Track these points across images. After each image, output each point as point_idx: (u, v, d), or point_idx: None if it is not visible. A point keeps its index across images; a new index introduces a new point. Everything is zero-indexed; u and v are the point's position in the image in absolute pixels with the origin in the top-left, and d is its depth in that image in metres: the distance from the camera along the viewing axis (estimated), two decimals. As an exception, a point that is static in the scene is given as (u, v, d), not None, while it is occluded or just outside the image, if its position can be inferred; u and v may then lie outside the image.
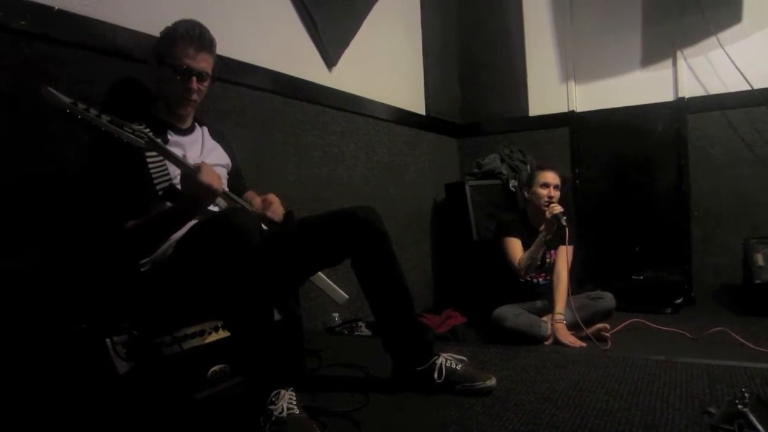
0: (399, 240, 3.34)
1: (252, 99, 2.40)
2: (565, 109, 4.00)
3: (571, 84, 3.99)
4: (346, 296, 2.05)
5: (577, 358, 2.00)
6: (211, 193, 1.46)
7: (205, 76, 1.67)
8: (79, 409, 1.41)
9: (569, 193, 3.78)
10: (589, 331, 2.64)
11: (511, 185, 3.67)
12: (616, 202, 3.87)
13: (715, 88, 3.52)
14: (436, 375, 1.65)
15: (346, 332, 2.62)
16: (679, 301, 3.38)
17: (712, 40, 3.47)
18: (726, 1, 3.47)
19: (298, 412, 1.34)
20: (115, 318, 1.47)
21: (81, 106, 1.30)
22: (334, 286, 2.05)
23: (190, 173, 1.45)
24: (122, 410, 1.40)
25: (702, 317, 3.10)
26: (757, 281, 3.07)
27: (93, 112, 1.32)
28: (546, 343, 2.68)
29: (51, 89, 1.27)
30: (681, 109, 3.61)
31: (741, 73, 3.37)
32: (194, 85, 1.64)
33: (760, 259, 3.12)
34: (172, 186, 1.55)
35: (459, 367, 1.68)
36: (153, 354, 1.46)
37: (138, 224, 1.52)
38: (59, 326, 1.52)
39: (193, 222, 1.59)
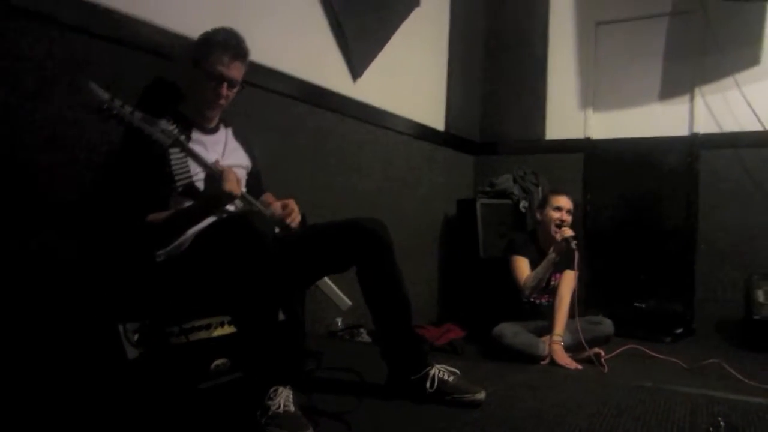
0: (408, 252, 3.39)
1: (277, 104, 2.48)
2: (581, 136, 4.05)
3: (589, 111, 4.05)
4: (350, 303, 2.11)
5: (568, 379, 2.06)
6: (230, 197, 1.56)
7: (235, 83, 1.76)
8: (89, 390, 1.50)
9: (579, 218, 3.81)
10: (584, 354, 2.68)
11: (521, 206, 3.71)
12: (624, 230, 3.90)
13: (730, 126, 3.57)
14: (428, 384, 1.70)
15: (347, 337, 2.68)
16: (679, 331, 3.39)
17: (730, 79, 3.53)
18: (747, 43, 3.53)
19: (293, 409, 1.42)
20: (128, 305, 1.56)
21: (117, 102, 1.41)
22: (339, 292, 2.11)
23: (216, 176, 1.54)
24: (129, 393, 1.48)
25: (700, 348, 3.11)
26: (756, 317, 3.10)
27: (127, 108, 1.43)
28: (542, 363, 2.72)
29: (94, 84, 1.39)
30: (695, 144, 3.66)
31: (755, 114, 3.44)
32: (224, 91, 1.73)
33: (760, 295, 3.15)
34: (192, 184, 1.64)
35: (451, 378, 1.73)
36: (161, 342, 1.55)
37: (158, 217, 1.61)
38: (75, 311, 1.62)
39: (210, 220, 1.68)
